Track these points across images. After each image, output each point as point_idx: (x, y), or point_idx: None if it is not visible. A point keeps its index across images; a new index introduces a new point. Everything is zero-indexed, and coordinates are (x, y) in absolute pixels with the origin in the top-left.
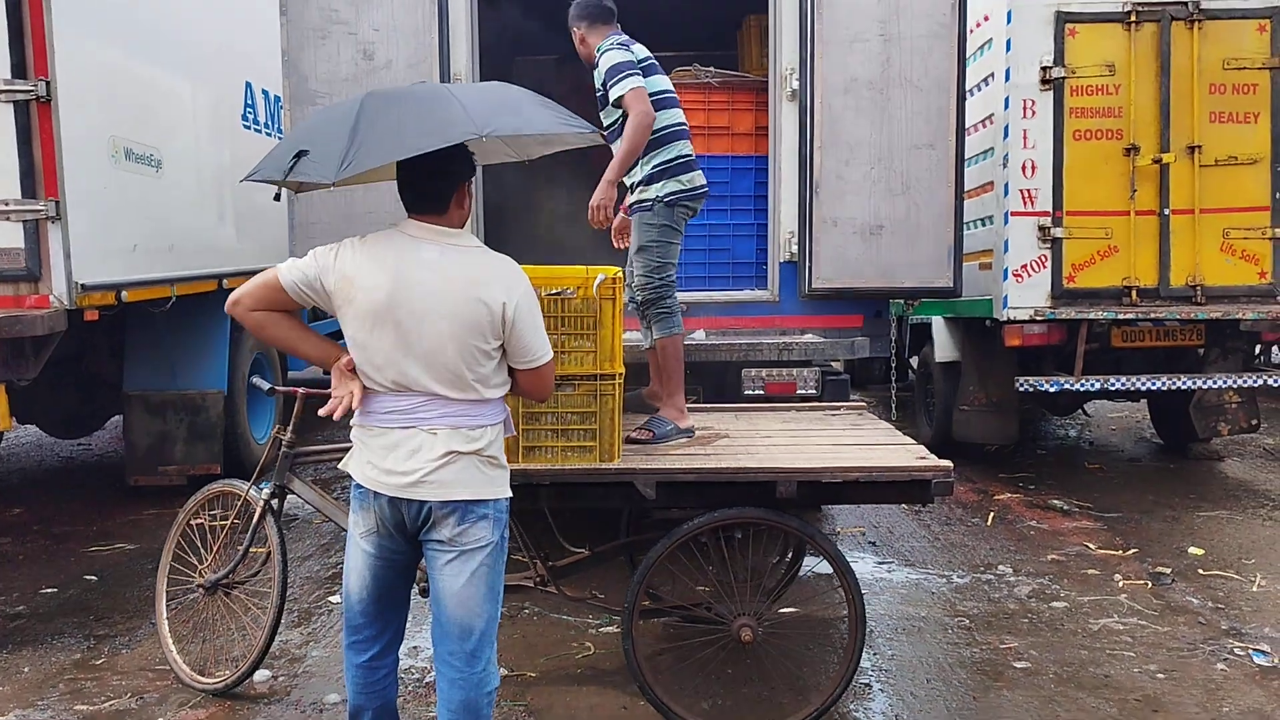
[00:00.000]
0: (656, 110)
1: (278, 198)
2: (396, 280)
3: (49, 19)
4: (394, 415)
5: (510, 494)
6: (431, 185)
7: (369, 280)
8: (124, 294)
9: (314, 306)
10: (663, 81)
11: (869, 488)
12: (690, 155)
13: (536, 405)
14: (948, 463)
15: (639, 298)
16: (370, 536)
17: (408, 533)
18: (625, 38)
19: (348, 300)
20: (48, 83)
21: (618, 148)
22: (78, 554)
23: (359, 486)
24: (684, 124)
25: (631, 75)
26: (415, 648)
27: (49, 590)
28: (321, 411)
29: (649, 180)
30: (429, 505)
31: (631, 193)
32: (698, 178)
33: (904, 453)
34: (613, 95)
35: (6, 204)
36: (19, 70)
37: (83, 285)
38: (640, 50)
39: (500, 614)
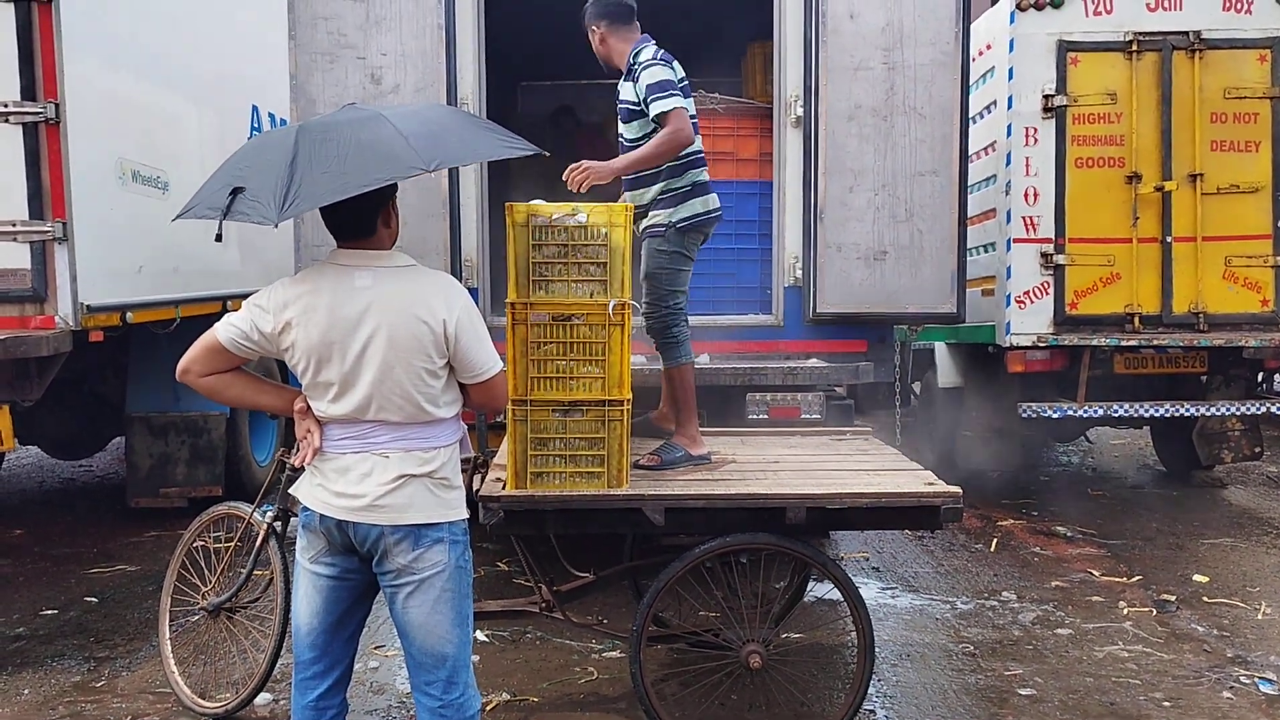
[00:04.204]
0: None
1: (219, 238)
2: (333, 311)
3: (59, 43)
4: (346, 441)
5: (467, 515)
6: (354, 212)
7: (305, 316)
8: (129, 315)
9: (260, 356)
10: (691, 106)
11: (878, 513)
12: (704, 181)
13: (546, 432)
14: (957, 489)
15: (648, 324)
16: (321, 557)
17: (359, 554)
18: (664, 52)
19: (289, 340)
20: (57, 105)
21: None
22: (78, 576)
23: (306, 510)
24: (701, 152)
25: (676, 95)
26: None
27: (49, 612)
28: (294, 462)
29: (662, 205)
30: (380, 530)
31: (639, 220)
32: (711, 200)
33: (913, 478)
34: (654, 110)
35: (14, 225)
36: (28, 92)
37: (88, 306)
38: (679, 70)
39: (473, 636)
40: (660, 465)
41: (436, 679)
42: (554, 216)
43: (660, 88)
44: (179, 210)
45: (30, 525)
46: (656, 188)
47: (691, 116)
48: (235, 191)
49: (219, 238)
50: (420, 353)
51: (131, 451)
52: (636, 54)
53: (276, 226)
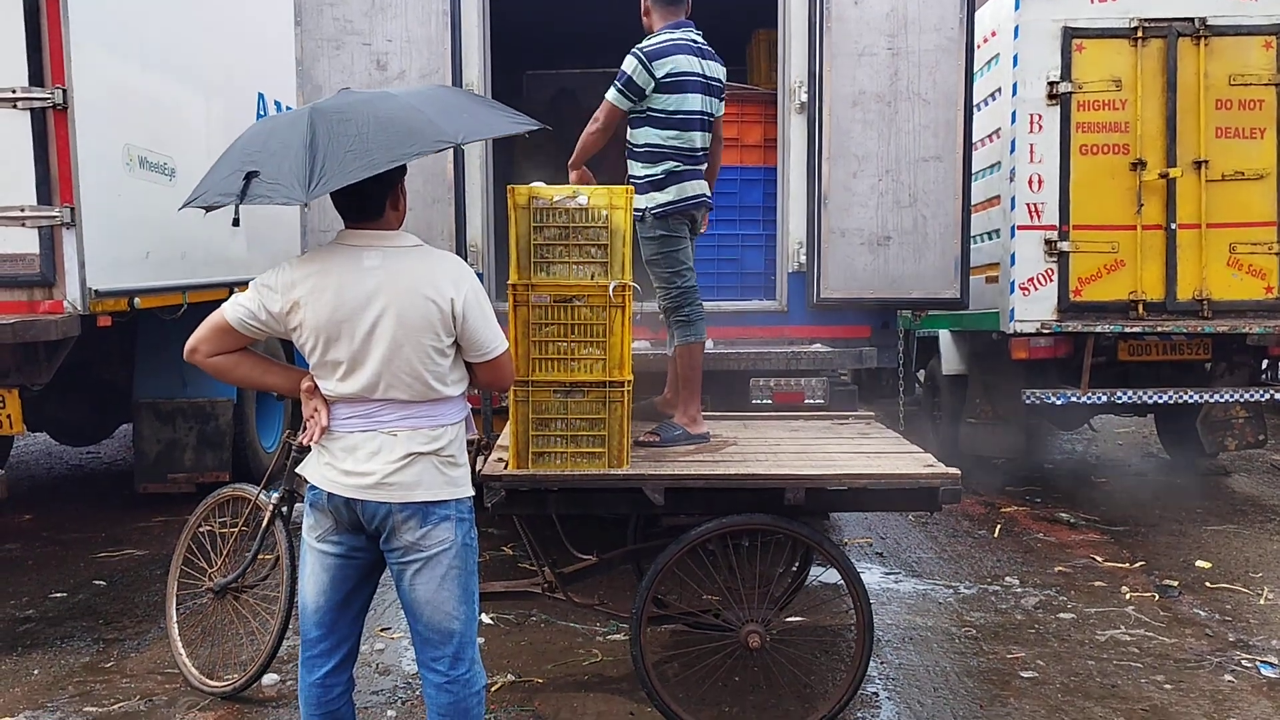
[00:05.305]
0: (658, 129)
1: (236, 223)
2: (341, 291)
3: (66, 29)
4: (354, 420)
5: (472, 493)
6: (364, 193)
7: (314, 296)
8: (137, 300)
9: (268, 336)
10: (679, 101)
11: (877, 495)
12: (680, 170)
13: (547, 412)
14: (956, 470)
15: (660, 306)
16: (329, 536)
17: (366, 532)
18: (667, 42)
19: (297, 320)
20: (64, 91)
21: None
22: (87, 559)
23: (314, 489)
24: (681, 147)
25: (617, 91)
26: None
27: (58, 595)
28: (302, 440)
29: (639, 190)
30: (388, 508)
31: None
32: (688, 188)
33: (912, 461)
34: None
35: (22, 210)
36: (36, 78)
37: (96, 291)
38: (675, 64)
39: (479, 614)
40: (659, 443)
41: (443, 655)
42: (555, 199)
43: (618, 76)
44: (185, 198)
45: (39, 510)
46: (638, 168)
47: (677, 112)
48: (249, 176)
49: (236, 222)
50: (428, 331)
51: (139, 437)
52: (648, 35)
53: (307, 206)
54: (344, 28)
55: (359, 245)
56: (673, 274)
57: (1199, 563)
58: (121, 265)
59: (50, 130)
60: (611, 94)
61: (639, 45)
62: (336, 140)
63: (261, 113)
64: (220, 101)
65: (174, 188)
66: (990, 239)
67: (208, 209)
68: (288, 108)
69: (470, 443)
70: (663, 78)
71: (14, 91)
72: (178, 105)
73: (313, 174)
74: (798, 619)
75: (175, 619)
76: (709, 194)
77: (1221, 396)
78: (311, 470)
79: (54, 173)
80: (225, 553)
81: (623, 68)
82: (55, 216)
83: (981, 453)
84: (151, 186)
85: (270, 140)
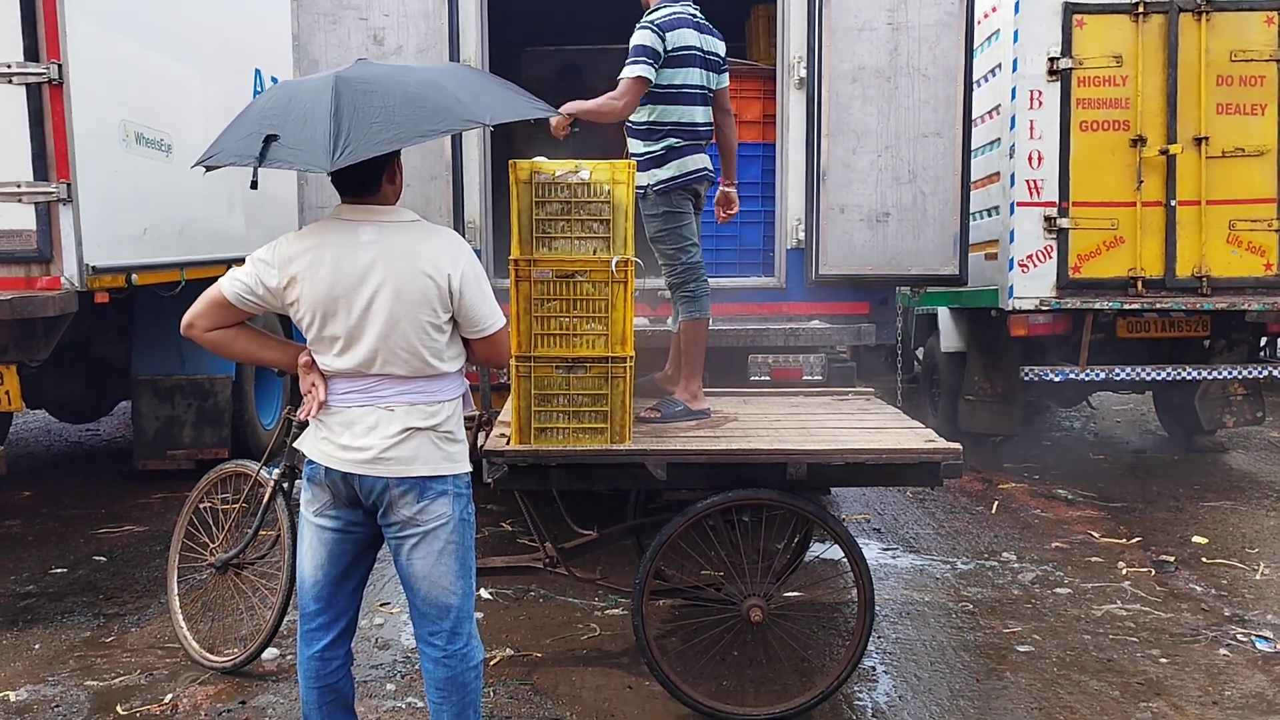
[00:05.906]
0: (658, 104)
1: (254, 185)
2: (339, 266)
3: (61, 3)
4: (352, 395)
5: (470, 469)
6: (362, 168)
7: (312, 271)
8: (134, 277)
9: (265, 311)
10: (683, 76)
11: (880, 470)
12: (681, 146)
13: (549, 388)
14: (957, 445)
15: (667, 281)
16: (326, 510)
17: (363, 507)
18: (672, 15)
19: (294, 295)
20: (60, 66)
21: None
22: (87, 536)
23: (312, 464)
24: (681, 122)
25: (642, 64)
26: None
27: (59, 570)
28: (299, 416)
29: (641, 168)
30: (385, 482)
31: None
32: (689, 163)
33: (913, 436)
34: (622, 72)
35: (18, 186)
36: (31, 53)
37: (93, 267)
38: (682, 38)
39: (475, 589)
40: (661, 418)
41: (440, 629)
42: (557, 173)
43: (634, 52)
44: (199, 157)
45: (39, 487)
46: (638, 145)
47: (697, 87)
48: (268, 140)
49: (254, 184)
50: (425, 306)
51: (138, 414)
52: (649, 10)
53: (330, 174)
54: (340, 2)
55: (356, 220)
56: (678, 250)
57: (1195, 538)
58: (119, 241)
59: (46, 106)
60: (637, 69)
61: (647, 17)
62: (361, 111)
63: (259, 89)
64: (217, 78)
65: (171, 164)
66: (990, 215)
67: (209, 169)
68: None
69: (469, 419)
70: (669, 50)
71: (9, 67)
72: (174, 81)
73: (337, 143)
74: (797, 594)
75: (176, 594)
76: (711, 168)
77: (1220, 373)
78: (309, 445)
79: (50, 148)
80: (226, 529)
81: (638, 41)
82: (52, 193)
83: (980, 430)
84: (148, 163)
85: (292, 105)
